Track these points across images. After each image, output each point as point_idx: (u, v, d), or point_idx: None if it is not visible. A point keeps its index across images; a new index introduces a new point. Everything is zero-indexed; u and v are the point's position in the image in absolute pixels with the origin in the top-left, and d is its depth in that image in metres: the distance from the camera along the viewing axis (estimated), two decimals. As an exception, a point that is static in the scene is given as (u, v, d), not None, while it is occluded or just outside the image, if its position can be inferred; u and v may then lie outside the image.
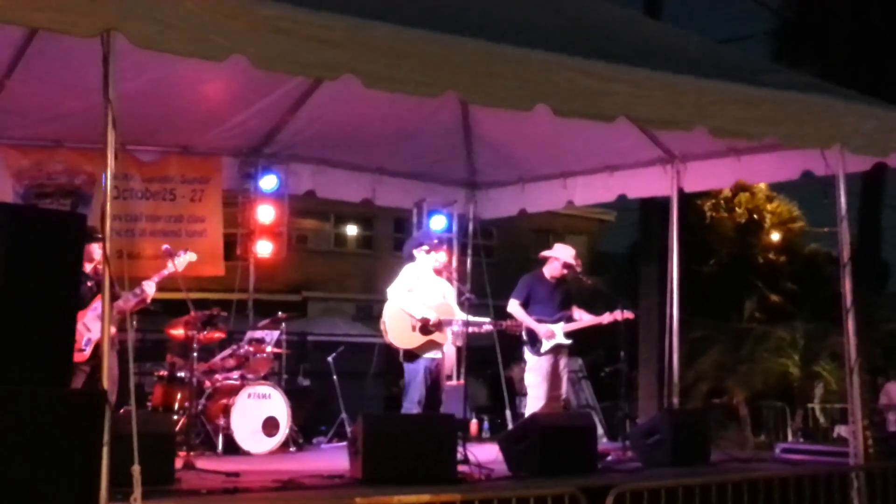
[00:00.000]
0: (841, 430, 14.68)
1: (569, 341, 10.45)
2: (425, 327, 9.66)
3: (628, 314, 10.56)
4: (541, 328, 10.34)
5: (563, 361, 10.54)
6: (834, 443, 13.14)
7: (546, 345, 10.33)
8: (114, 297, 8.86)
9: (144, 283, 9.27)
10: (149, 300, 9.40)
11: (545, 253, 10.89)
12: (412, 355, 9.73)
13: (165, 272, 9.50)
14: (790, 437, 18.16)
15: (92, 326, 8.77)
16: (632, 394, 16.42)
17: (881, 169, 10.00)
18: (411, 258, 10.10)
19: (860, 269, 10.77)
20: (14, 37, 8.26)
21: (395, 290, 9.83)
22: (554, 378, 10.43)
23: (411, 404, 9.66)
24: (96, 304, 8.96)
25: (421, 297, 9.79)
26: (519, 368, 11.88)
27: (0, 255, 5.73)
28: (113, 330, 8.72)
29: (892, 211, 24.01)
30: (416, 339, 9.68)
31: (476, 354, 12.48)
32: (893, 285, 31.77)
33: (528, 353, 10.49)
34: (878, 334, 20.32)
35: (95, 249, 8.51)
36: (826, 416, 19.51)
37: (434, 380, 9.79)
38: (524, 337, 10.46)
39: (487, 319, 10.07)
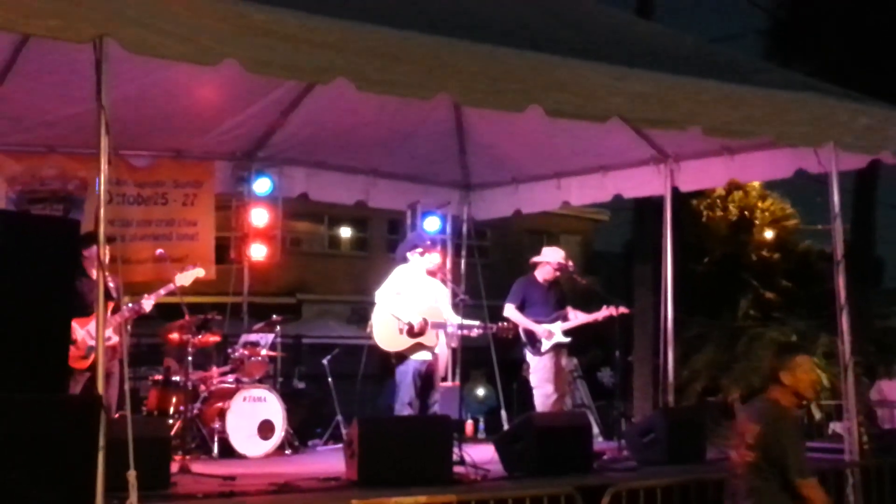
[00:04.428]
0: (836, 426, 14.67)
1: (568, 339, 10.60)
2: (411, 330, 9.69)
3: (623, 309, 10.69)
4: (539, 328, 10.48)
5: (563, 360, 10.68)
6: (829, 439, 13.14)
7: (546, 344, 10.48)
8: (116, 308, 8.89)
9: (144, 299, 9.23)
10: (145, 311, 9.38)
11: (535, 258, 11.04)
12: (401, 357, 9.77)
13: (173, 286, 9.49)
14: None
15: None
16: (627, 393, 16.44)
17: (874, 166, 10.02)
18: (404, 260, 10.14)
19: (854, 265, 10.81)
20: (6, 43, 8.24)
21: (383, 294, 9.86)
22: (558, 376, 10.53)
23: (402, 406, 9.71)
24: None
25: (410, 300, 9.80)
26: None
27: (-6, 261, 5.73)
28: (116, 339, 8.74)
29: (884, 208, 24.05)
30: (404, 342, 9.71)
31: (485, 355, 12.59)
32: (887, 281, 31.84)
33: (529, 355, 10.61)
34: (872, 331, 20.32)
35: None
36: (821, 412, 19.49)
37: (425, 382, 9.81)
38: (524, 338, 10.55)
39: (478, 323, 10.08)
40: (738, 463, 6.03)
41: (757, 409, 6.09)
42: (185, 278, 9.58)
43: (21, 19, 5.65)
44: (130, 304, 9.19)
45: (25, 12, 5.59)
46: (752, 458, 5.88)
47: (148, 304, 9.28)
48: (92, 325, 8.69)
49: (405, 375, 9.74)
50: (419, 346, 9.75)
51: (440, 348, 10.05)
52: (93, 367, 8.65)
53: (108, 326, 8.93)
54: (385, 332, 9.76)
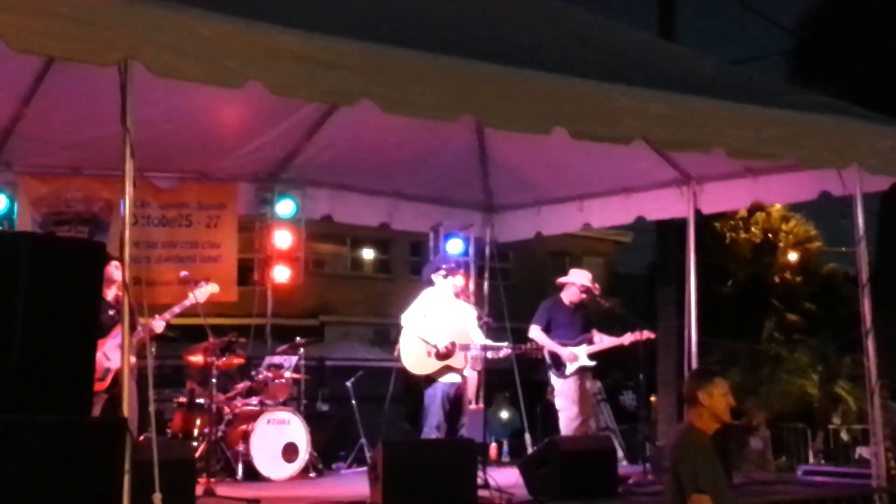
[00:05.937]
0: (862, 451, 14.58)
1: (592, 363, 10.55)
2: (439, 353, 9.68)
3: (649, 334, 10.63)
4: (564, 351, 10.42)
5: (588, 383, 10.63)
6: (855, 464, 13.05)
7: (570, 367, 10.41)
8: (133, 327, 8.87)
9: (154, 320, 9.19)
10: (156, 332, 9.35)
11: (562, 279, 10.96)
12: (429, 380, 9.75)
13: (188, 303, 9.48)
14: (811, 459, 18.05)
15: (112, 356, 8.74)
16: (651, 416, 16.38)
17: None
18: (430, 283, 10.14)
19: (879, 288, 10.73)
20: (32, 65, 8.29)
21: (410, 316, 9.86)
22: (583, 399, 10.49)
23: (430, 430, 9.68)
24: (116, 333, 8.96)
25: (437, 323, 9.79)
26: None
27: (21, 283, 5.74)
28: (133, 359, 8.73)
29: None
30: (432, 365, 9.70)
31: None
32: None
33: (553, 378, 10.55)
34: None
35: (116, 276, 8.48)
36: (848, 436, 19.38)
37: (454, 405, 9.79)
38: (548, 361, 10.51)
39: (506, 344, 10.07)
40: (665, 483, 6.12)
41: (675, 431, 6.21)
42: (201, 295, 9.57)
43: (47, 42, 5.69)
44: (140, 328, 9.16)
45: (51, 35, 5.63)
46: (670, 477, 5.95)
47: (159, 324, 9.27)
48: (107, 347, 8.69)
49: (434, 399, 9.72)
50: (447, 369, 9.73)
51: (468, 371, 10.03)
52: (110, 389, 8.70)
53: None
54: (413, 355, 9.75)
